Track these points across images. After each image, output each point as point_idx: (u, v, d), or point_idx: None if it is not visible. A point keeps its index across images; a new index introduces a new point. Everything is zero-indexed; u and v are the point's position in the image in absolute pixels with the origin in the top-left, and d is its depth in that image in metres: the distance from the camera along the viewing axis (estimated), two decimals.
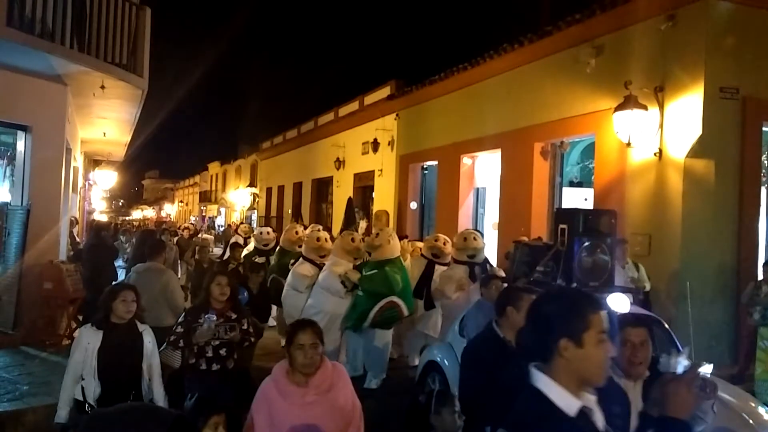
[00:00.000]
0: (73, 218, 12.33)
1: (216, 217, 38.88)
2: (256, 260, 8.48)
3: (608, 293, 4.68)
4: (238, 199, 32.04)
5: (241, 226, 15.24)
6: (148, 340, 3.97)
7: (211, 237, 13.35)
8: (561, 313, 1.76)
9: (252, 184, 29.81)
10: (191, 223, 19.89)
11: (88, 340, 3.82)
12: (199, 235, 15.13)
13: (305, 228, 9.55)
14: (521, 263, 5.46)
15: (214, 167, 40.44)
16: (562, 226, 5.02)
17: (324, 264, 7.34)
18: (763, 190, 8.06)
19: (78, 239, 11.77)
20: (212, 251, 12.41)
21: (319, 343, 2.94)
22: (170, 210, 59.41)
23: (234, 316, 4.38)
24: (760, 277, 6.72)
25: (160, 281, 5.60)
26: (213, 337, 4.19)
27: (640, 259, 7.78)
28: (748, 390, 6.21)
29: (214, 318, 4.20)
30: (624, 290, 4.95)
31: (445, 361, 5.68)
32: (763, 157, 8.11)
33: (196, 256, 9.68)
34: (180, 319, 4.42)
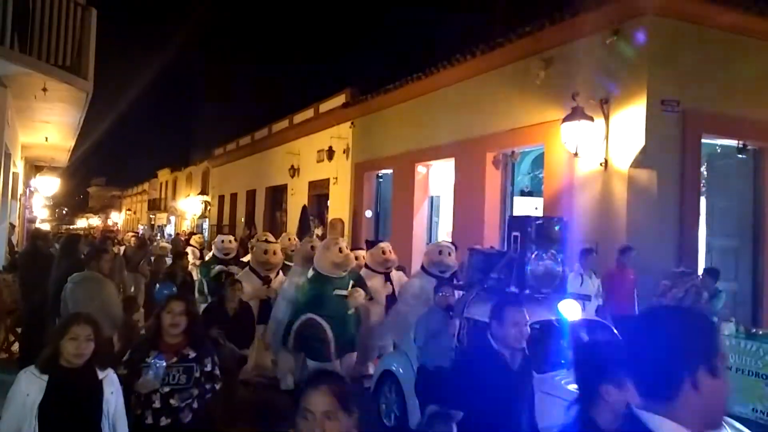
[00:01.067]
0: (11, 224, 11.75)
1: (165, 225, 37.87)
2: (227, 269, 8.03)
3: (560, 299, 4.78)
4: (188, 207, 31.31)
5: (195, 236, 14.54)
6: (110, 390, 3.06)
7: (169, 245, 12.48)
8: (694, 336, 1.37)
9: (203, 192, 29.20)
10: (135, 232, 18.66)
11: (28, 390, 2.89)
12: (154, 244, 14.36)
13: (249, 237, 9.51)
14: (475, 270, 5.49)
15: (164, 174, 39.44)
16: (514, 233, 5.10)
17: (270, 277, 7.22)
18: (703, 199, 8.43)
19: (16, 248, 11.22)
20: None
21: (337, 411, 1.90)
22: (117, 218, 57.55)
23: (192, 354, 3.48)
24: (699, 282, 6.98)
25: (101, 292, 5.35)
26: (162, 383, 3.37)
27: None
28: None
29: (163, 363, 3.34)
30: (578, 297, 5.02)
31: (401, 370, 5.64)
32: (702, 168, 8.49)
33: (151, 267, 8.96)
34: (125, 357, 3.57)
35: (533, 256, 4.93)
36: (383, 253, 7.68)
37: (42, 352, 3.00)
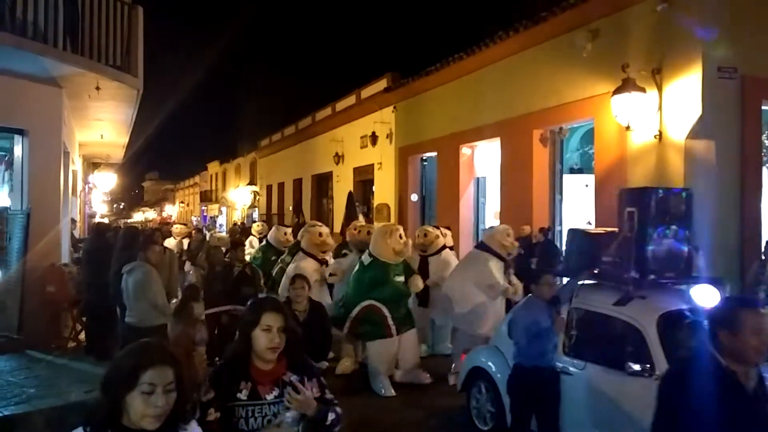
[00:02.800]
0: (72, 220, 12.30)
1: (217, 216, 38.87)
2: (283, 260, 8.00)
3: (692, 285, 4.17)
4: (238, 198, 32.01)
5: (255, 225, 14.26)
6: None
7: (227, 236, 11.75)
8: None
9: (252, 182, 29.77)
10: (183, 223, 17.79)
11: None
12: (211, 234, 13.95)
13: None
14: (580, 253, 4.80)
15: (214, 167, 40.40)
16: (629, 209, 4.45)
17: (326, 260, 7.41)
18: (765, 169, 8.02)
19: (80, 243, 11.75)
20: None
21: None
22: (171, 211, 59.41)
23: (294, 378, 2.51)
24: (765, 256, 6.68)
25: (149, 281, 5.55)
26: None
27: None
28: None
29: (295, 415, 2.41)
30: (713, 281, 4.17)
31: (493, 367, 5.10)
32: (764, 137, 8.06)
33: (208, 259, 8.32)
34: (205, 384, 2.47)
35: (655, 234, 4.32)
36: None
37: (94, 410, 1.89)
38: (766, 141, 8.22)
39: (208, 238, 11.65)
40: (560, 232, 9.88)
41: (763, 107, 7.56)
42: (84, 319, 7.91)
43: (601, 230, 5.30)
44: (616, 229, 4.79)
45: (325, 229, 7.70)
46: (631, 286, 4.29)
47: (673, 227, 4.40)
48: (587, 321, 4.50)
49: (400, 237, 6.57)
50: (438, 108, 12.81)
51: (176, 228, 13.54)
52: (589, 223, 9.22)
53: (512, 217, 10.10)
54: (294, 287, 5.03)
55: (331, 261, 7.64)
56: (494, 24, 10.82)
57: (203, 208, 44.70)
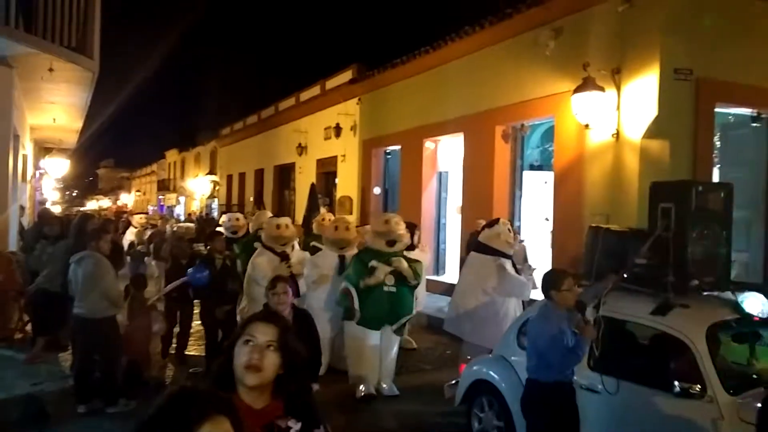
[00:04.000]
0: (21, 207, 11.83)
1: (175, 206, 38.04)
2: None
3: (735, 292, 3.80)
4: (197, 188, 31.39)
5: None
6: None
7: (192, 226, 11.16)
8: None
9: (212, 172, 29.23)
10: (145, 213, 16.93)
11: None
12: (174, 224, 13.01)
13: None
14: (606, 254, 4.29)
15: (172, 155, 39.48)
16: (665, 205, 3.98)
17: (286, 252, 6.73)
18: (716, 169, 8.32)
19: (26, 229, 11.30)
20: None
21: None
22: (127, 199, 57.87)
23: (295, 427, 1.85)
24: None
25: (99, 271, 5.34)
26: None
27: None
28: None
29: None
30: (757, 288, 3.88)
31: (501, 380, 4.47)
32: (716, 138, 8.36)
33: (173, 251, 7.85)
34: None
35: (694, 234, 3.87)
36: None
37: None
38: (717, 142, 8.54)
39: (168, 229, 10.92)
40: (519, 227, 10.04)
41: (717, 109, 7.84)
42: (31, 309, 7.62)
43: (626, 228, 4.80)
44: (641, 228, 4.39)
45: (283, 220, 7.06)
46: (671, 293, 3.79)
47: (714, 226, 3.95)
48: (618, 332, 4.00)
49: (386, 222, 6.10)
50: (403, 101, 12.82)
51: (138, 218, 13.03)
52: (547, 219, 9.40)
53: (473, 212, 10.21)
54: (275, 292, 4.08)
55: (295, 253, 6.99)
56: (460, 19, 10.88)
57: (160, 197, 43.68)
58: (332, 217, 8.75)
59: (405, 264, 5.93)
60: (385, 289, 5.83)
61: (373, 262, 5.86)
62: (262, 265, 6.38)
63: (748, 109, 8.16)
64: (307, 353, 3.30)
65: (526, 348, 4.04)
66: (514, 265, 6.28)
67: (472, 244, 9.33)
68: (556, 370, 3.71)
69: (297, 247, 7.28)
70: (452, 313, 6.41)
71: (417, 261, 6.27)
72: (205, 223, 14.32)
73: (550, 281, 3.84)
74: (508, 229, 6.33)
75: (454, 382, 5.06)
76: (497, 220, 6.58)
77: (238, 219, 8.77)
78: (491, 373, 4.61)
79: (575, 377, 3.82)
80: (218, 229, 11.21)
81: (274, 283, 4.18)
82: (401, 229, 6.16)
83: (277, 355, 1.82)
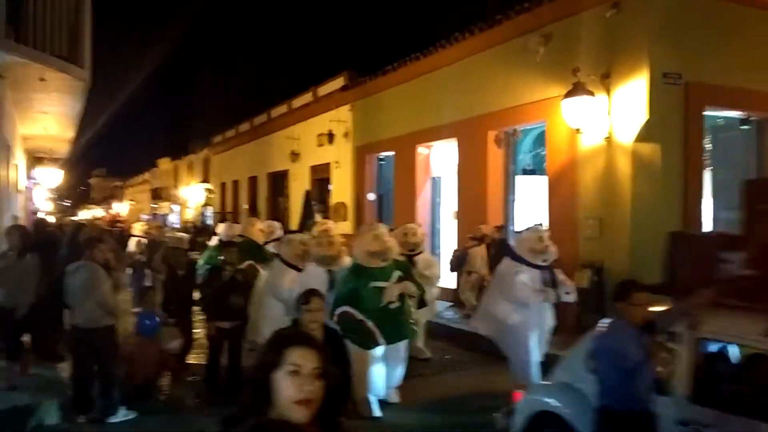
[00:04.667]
0: (14, 217, 11.75)
1: (168, 214, 37.91)
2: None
3: None
4: (191, 196, 31.30)
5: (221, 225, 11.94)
6: None
7: (186, 236, 10.57)
8: None
9: (205, 180, 29.17)
10: (149, 223, 16.41)
11: None
12: (168, 233, 12.21)
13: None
14: (695, 266, 3.92)
15: (165, 163, 39.37)
16: (763, 206, 3.69)
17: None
18: (706, 172, 8.39)
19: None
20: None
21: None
22: (119, 209, 57.62)
23: None
24: None
25: (94, 281, 5.30)
26: None
27: (593, 241, 8.00)
28: None
29: None
30: None
31: (569, 411, 3.88)
32: (706, 141, 8.44)
33: (163, 260, 7.85)
34: None
35: None
36: (405, 234, 7.17)
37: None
38: (707, 146, 8.61)
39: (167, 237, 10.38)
40: (513, 231, 10.07)
41: (706, 113, 7.91)
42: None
43: (714, 233, 4.30)
44: (731, 233, 4.02)
45: (305, 237, 6.73)
46: None
47: None
48: (718, 356, 3.57)
49: (376, 237, 5.65)
50: (395, 107, 12.85)
51: (138, 225, 12.32)
52: (540, 224, 9.43)
53: (468, 217, 10.25)
54: (309, 308, 3.65)
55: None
56: (450, 26, 10.95)
57: (153, 206, 43.53)
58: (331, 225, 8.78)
59: (411, 287, 5.70)
60: (392, 306, 5.49)
61: (379, 284, 5.47)
62: (287, 285, 5.96)
63: (737, 112, 8.24)
64: (339, 378, 3.29)
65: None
66: (550, 277, 5.77)
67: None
68: (627, 396, 3.19)
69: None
70: (480, 310, 6.32)
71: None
72: (199, 232, 14.07)
73: (617, 291, 3.44)
74: (539, 238, 5.78)
75: (506, 411, 4.61)
76: (527, 228, 6.14)
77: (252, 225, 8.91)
78: (556, 402, 4.05)
79: (665, 409, 3.31)
80: (215, 238, 11.15)
81: (308, 298, 3.71)
82: (391, 241, 5.94)
83: (321, 382, 1.65)
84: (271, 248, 8.21)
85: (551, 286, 5.76)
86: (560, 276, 5.98)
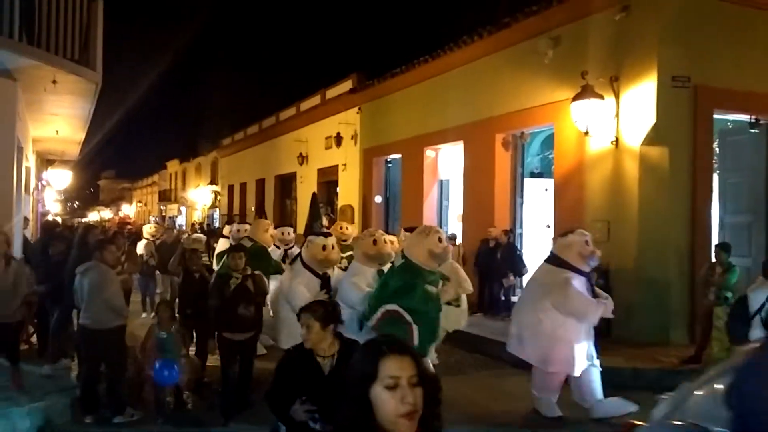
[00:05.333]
0: (25, 218, 11.85)
1: (176, 216, 38.10)
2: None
3: None
4: (199, 198, 31.46)
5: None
6: None
7: (203, 237, 10.20)
8: None
9: (213, 182, 29.31)
10: (159, 224, 16.01)
11: None
12: (186, 235, 12.09)
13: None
14: None
15: (173, 165, 39.60)
16: None
17: (327, 274, 6.17)
18: (715, 175, 8.36)
19: (31, 241, 11.32)
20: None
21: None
22: (128, 210, 57.94)
23: None
24: (714, 258, 6.96)
25: (104, 282, 5.34)
26: None
27: (600, 244, 7.96)
28: (705, 369, 6.43)
29: None
30: None
31: None
32: (714, 144, 8.41)
33: (179, 263, 7.35)
34: None
35: None
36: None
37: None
38: (716, 148, 8.59)
39: (183, 239, 10.00)
40: (521, 235, 10.07)
41: (715, 116, 7.89)
42: (36, 320, 7.64)
43: None
44: None
45: (330, 241, 6.35)
46: None
47: None
48: None
49: (440, 240, 5.33)
50: (403, 110, 12.89)
51: (149, 228, 11.73)
52: (548, 227, 9.44)
53: (475, 220, 10.26)
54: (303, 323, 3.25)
55: (335, 273, 6.35)
56: (459, 29, 10.98)
57: (162, 207, 43.77)
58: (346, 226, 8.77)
59: (452, 291, 5.53)
60: (436, 312, 5.32)
61: (431, 288, 5.22)
62: (302, 293, 5.77)
63: (746, 115, 8.21)
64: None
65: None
66: (594, 285, 5.48)
67: (483, 253, 9.40)
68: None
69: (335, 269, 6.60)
70: (513, 329, 5.57)
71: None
72: (208, 234, 14.00)
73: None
74: (586, 241, 5.35)
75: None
76: (572, 229, 5.65)
77: (290, 233, 8.75)
78: None
79: None
80: (222, 239, 10.71)
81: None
82: (389, 248, 5.84)
83: (420, 389, 1.56)
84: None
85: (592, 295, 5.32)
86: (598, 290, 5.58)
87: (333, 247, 6.25)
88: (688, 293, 7.48)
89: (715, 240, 7.83)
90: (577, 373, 5.20)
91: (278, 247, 9.04)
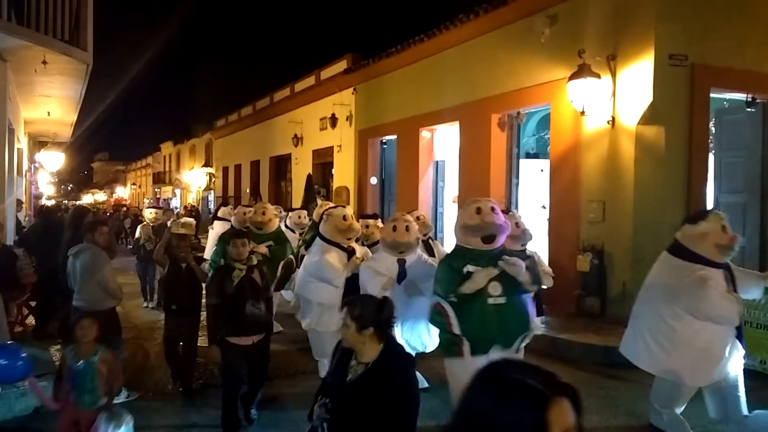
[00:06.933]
0: (18, 201, 11.77)
1: (171, 198, 37.98)
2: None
3: None
4: (193, 180, 31.34)
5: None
6: None
7: (193, 221, 9.06)
8: None
9: (207, 164, 29.19)
10: (156, 206, 15.13)
11: None
12: (173, 218, 10.05)
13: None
14: None
15: (167, 147, 39.38)
16: None
17: (353, 247, 5.72)
18: (711, 154, 8.35)
19: (23, 224, 11.26)
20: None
21: None
22: (122, 193, 57.71)
23: None
24: None
25: (96, 264, 5.30)
26: None
27: (595, 225, 8.01)
28: None
29: None
30: None
31: None
32: (711, 123, 8.39)
33: (166, 252, 5.96)
34: None
35: None
36: (417, 219, 6.42)
37: None
38: (712, 128, 8.56)
39: (168, 223, 8.97)
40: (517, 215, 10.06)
41: (712, 95, 7.86)
42: (32, 303, 7.64)
43: None
44: None
45: (349, 211, 5.99)
46: None
47: None
48: None
49: (478, 211, 4.36)
50: (398, 91, 12.80)
51: (150, 213, 10.83)
52: (544, 207, 9.44)
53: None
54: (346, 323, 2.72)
55: (358, 248, 5.89)
56: (455, 7, 10.84)
57: (156, 190, 43.60)
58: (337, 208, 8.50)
59: (520, 264, 4.27)
60: (490, 301, 4.25)
61: (469, 267, 4.30)
62: (334, 263, 5.41)
63: (743, 94, 8.18)
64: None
65: None
66: (730, 277, 4.39)
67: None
68: None
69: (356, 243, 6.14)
70: (630, 332, 4.71)
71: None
72: (195, 217, 13.66)
73: None
74: (723, 227, 4.36)
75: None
76: (705, 213, 4.65)
77: (245, 213, 7.87)
78: None
79: None
80: (218, 222, 9.83)
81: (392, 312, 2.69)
82: (409, 237, 5.20)
83: None
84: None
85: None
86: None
87: (353, 217, 5.90)
88: None
89: None
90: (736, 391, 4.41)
91: (293, 231, 9.00)
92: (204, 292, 5.18)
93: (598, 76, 7.62)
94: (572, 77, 7.74)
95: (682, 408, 4.52)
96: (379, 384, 2.52)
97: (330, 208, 6.19)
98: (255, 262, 4.76)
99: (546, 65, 8.68)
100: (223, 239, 6.77)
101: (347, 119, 14.78)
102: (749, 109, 8.22)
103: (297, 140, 17.74)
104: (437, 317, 4.45)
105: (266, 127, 20.99)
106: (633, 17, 7.56)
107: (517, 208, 10.12)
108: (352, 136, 14.65)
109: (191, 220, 8.94)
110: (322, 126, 15.99)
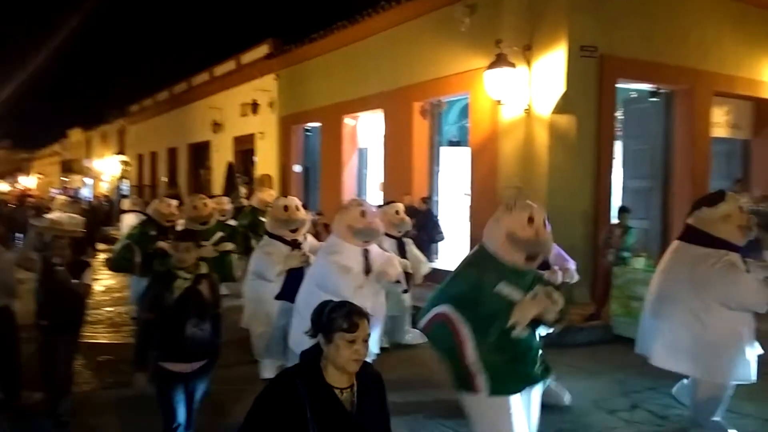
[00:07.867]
0: None
1: (80, 188, 35.82)
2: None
3: None
4: (106, 168, 29.69)
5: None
6: None
7: (80, 218, 8.36)
8: None
9: (120, 152, 27.74)
10: (70, 196, 14.05)
11: None
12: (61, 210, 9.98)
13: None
14: None
15: (76, 134, 37.03)
16: None
17: (296, 240, 5.37)
18: (619, 143, 8.82)
19: None
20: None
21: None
22: (26, 183, 53.88)
23: None
24: (616, 221, 7.36)
25: None
26: None
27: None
28: (605, 326, 6.85)
29: None
30: None
31: None
32: (619, 112, 8.84)
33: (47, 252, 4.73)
34: None
35: None
36: (396, 213, 6.25)
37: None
38: (620, 117, 9.03)
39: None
40: (437, 202, 10.22)
41: (620, 85, 8.27)
42: None
43: None
44: None
45: (291, 201, 5.56)
46: None
47: None
48: None
49: (530, 220, 3.38)
50: (322, 77, 12.63)
51: (60, 199, 10.23)
52: (467, 194, 9.64)
53: (394, 189, 10.29)
54: (355, 338, 2.16)
55: (308, 242, 5.55)
56: None
57: (65, 179, 41.01)
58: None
59: (556, 295, 3.28)
60: (515, 335, 3.28)
61: (503, 288, 3.30)
62: (268, 258, 5.15)
63: (648, 85, 8.67)
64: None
65: None
66: (745, 261, 4.09)
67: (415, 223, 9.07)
68: None
69: (309, 236, 5.81)
70: (660, 337, 4.19)
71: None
72: (94, 212, 12.59)
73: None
74: (740, 208, 4.08)
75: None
76: (722, 194, 4.22)
77: (169, 206, 7.09)
78: None
79: None
80: (127, 216, 9.30)
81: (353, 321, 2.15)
82: (378, 224, 4.65)
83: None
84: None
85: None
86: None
87: (297, 208, 5.45)
88: (591, 255, 7.89)
89: (615, 204, 8.30)
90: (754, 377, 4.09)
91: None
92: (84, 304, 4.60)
93: (513, 65, 7.83)
94: (490, 67, 7.91)
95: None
96: (380, 396, 2.33)
97: (276, 199, 5.95)
98: (204, 270, 3.78)
99: (465, 54, 8.82)
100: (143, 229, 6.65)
101: (269, 105, 14.45)
102: (653, 99, 8.73)
103: (217, 127, 17.17)
104: (446, 338, 3.32)
105: (184, 113, 20.18)
106: (547, 8, 7.81)
107: (438, 194, 10.29)
108: (275, 122, 14.35)
109: (78, 217, 7.81)
110: (243, 112, 15.54)
